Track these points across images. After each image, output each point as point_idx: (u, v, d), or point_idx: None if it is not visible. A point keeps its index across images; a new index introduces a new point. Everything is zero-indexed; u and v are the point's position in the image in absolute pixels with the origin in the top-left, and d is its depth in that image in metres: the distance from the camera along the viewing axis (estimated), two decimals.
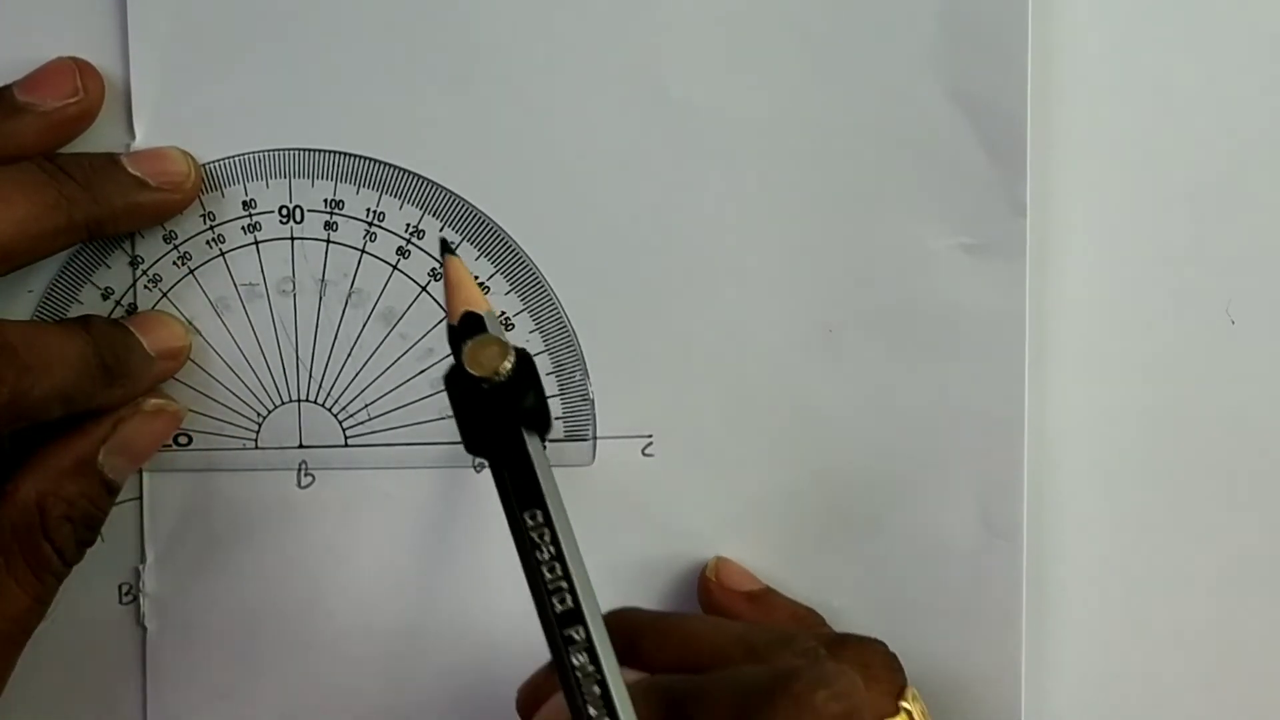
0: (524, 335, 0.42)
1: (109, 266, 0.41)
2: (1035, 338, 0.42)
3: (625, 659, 0.34)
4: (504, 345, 0.34)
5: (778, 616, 0.42)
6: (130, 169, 0.40)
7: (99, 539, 0.40)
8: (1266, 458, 0.43)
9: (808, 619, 0.42)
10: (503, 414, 0.34)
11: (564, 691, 0.32)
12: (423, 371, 0.42)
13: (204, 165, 0.41)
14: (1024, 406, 0.42)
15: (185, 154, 0.41)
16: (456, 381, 0.35)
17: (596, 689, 0.32)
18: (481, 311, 0.36)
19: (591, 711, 0.32)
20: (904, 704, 0.38)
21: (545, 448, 0.35)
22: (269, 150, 0.41)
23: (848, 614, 0.43)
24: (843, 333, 0.42)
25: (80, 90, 0.40)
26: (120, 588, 0.42)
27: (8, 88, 0.39)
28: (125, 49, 0.41)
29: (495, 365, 0.34)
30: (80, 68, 0.40)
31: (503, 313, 0.42)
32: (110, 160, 0.40)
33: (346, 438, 0.42)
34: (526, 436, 0.34)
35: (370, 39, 0.41)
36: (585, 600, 0.33)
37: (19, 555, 0.39)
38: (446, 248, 0.40)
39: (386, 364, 0.42)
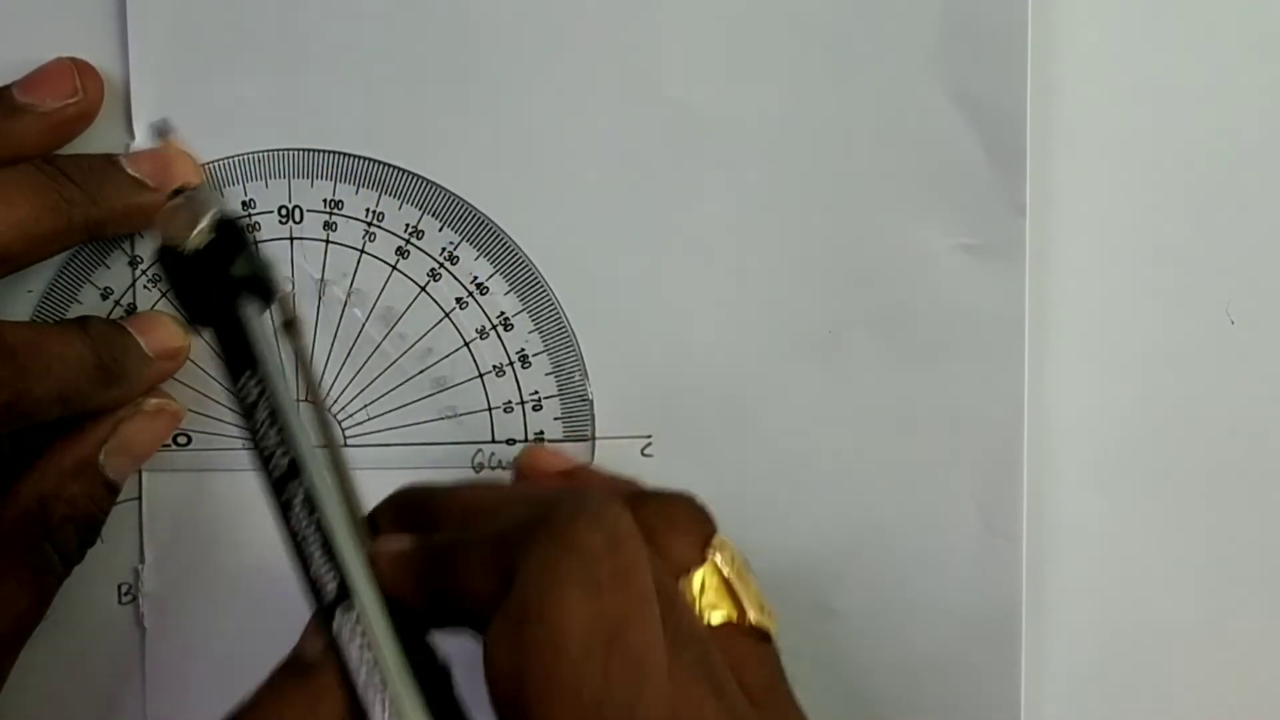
0: (524, 335, 0.42)
1: (108, 266, 0.41)
2: (1035, 338, 0.42)
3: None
4: (194, 214, 0.33)
5: (592, 485, 0.40)
6: (130, 170, 0.40)
7: (99, 540, 0.40)
8: (1266, 458, 0.43)
9: (629, 484, 0.40)
10: (207, 281, 0.33)
11: (289, 558, 0.31)
12: (423, 371, 0.42)
13: (204, 165, 0.41)
14: (1024, 406, 0.42)
15: (185, 154, 0.41)
16: (165, 254, 0.34)
17: (320, 552, 0.31)
18: (192, 184, 0.35)
19: (324, 576, 0.31)
20: (709, 552, 0.36)
21: (271, 313, 0.34)
22: (268, 150, 0.41)
23: (848, 614, 0.43)
24: (843, 333, 0.42)
25: (80, 90, 0.40)
26: (119, 588, 0.42)
27: (7, 88, 0.39)
28: (125, 49, 0.41)
29: (184, 234, 0.33)
30: (80, 68, 0.40)
31: (502, 313, 0.42)
32: (109, 162, 0.40)
33: (346, 438, 0.42)
34: (243, 303, 0.33)
35: (370, 39, 0.41)
36: (306, 458, 0.32)
37: (20, 556, 0.39)
38: (165, 130, 0.39)
39: (386, 364, 0.42)
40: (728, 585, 0.36)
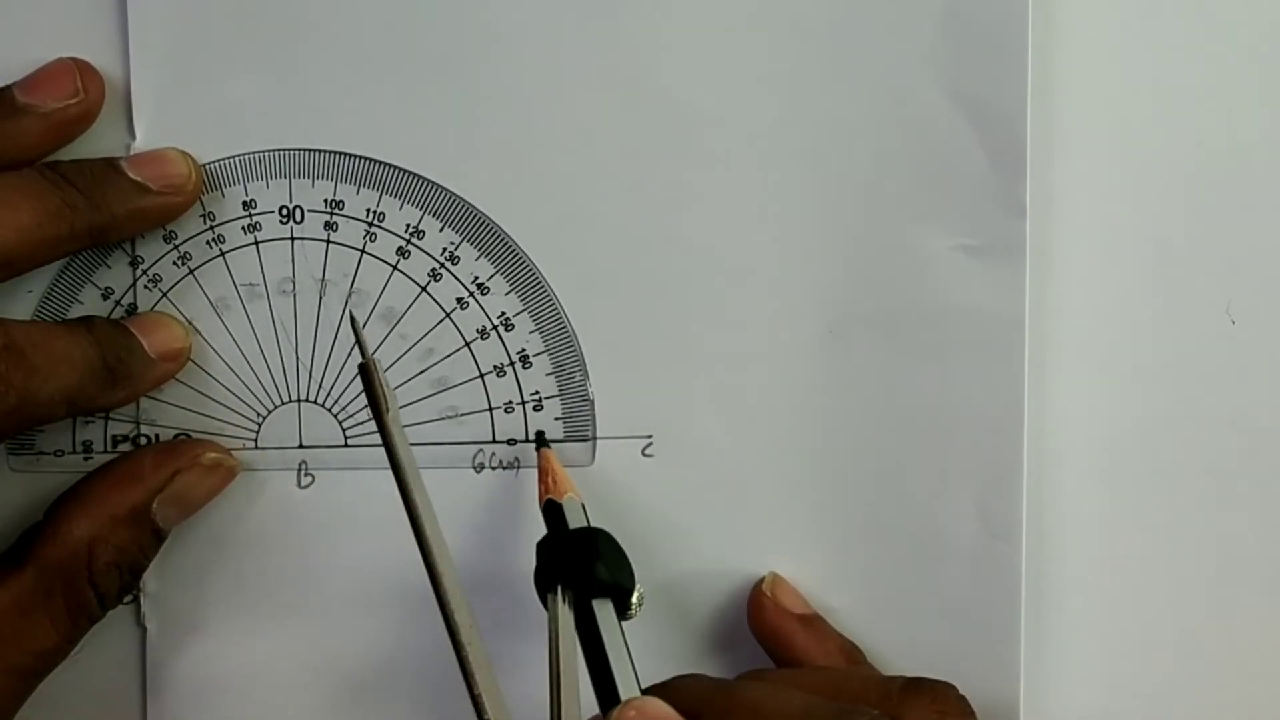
0: (524, 335, 0.42)
1: (109, 266, 0.41)
2: (1035, 338, 0.42)
3: None
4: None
5: (827, 645, 0.42)
6: (130, 174, 0.40)
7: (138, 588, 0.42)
8: (1266, 458, 0.43)
9: (854, 652, 0.42)
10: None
11: None
12: (423, 372, 0.42)
13: (204, 165, 0.41)
14: (1024, 406, 0.42)
15: (185, 155, 0.41)
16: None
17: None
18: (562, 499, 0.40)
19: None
20: None
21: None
22: (269, 150, 0.41)
23: (848, 614, 0.43)
24: (843, 333, 0.42)
25: (80, 91, 0.40)
26: None
27: (8, 88, 0.39)
28: (125, 49, 0.41)
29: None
30: (80, 68, 0.40)
31: (502, 313, 0.42)
32: (111, 166, 0.40)
33: (346, 438, 0.42)
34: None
35: (370, 39, 0.41)
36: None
37: (59, 596, 0.39)
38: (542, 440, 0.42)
39: (386, 364, 0.42)
40: None
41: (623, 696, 0.36)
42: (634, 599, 0.39)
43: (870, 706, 0.36)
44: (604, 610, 0.38)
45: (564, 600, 0.38)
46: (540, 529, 0.40)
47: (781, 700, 0.36)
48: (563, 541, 0.39)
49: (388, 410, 0.37)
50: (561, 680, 0.36)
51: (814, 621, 0.42)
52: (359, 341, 0.38)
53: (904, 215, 0.42)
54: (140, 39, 0.41)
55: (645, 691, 0.36)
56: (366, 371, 0.37)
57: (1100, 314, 0.43)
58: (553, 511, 0.40)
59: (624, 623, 0.39)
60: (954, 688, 0.39)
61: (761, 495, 0.42)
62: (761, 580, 0.42)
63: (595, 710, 0.36)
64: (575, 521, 0.40)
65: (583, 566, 0.38)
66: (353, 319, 0.41)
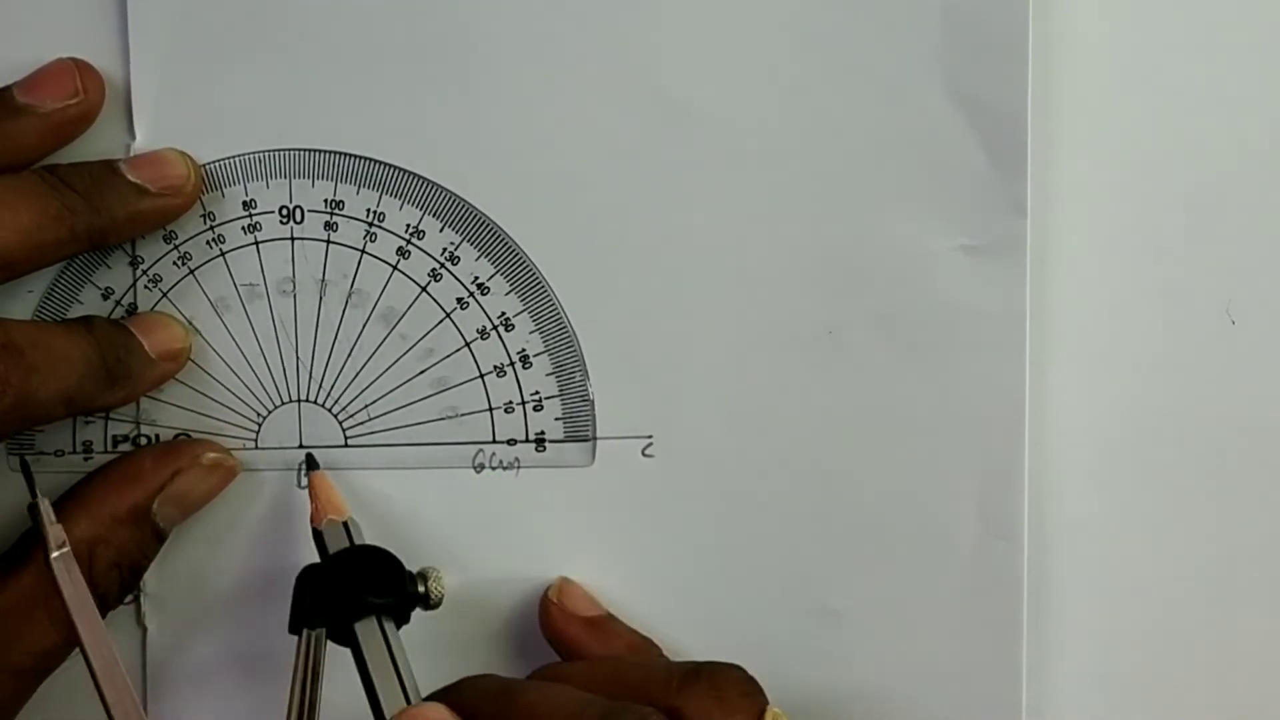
0: (525, 335, 0.42)
1: (109, 266, 0.41)
2: (1035, 338, 0.42)
3: None
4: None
5: (615, 645, 0.42)
6: (130, 176, 0.40)
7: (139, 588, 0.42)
8: (1266, 457, 0.43)
9: (644, 648, 0.42)
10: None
11: None
12: (423, 372, 0.42)
13: (204, 165, 0.41)
14: (1024, 406, 0.42)
15: (184, 156, 0.41)
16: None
17: None
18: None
19: None
20: None
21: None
22: (269, 150, 0.41)
23: (848, 614, 0.43)
24: (843, 333, 0.42)
25: (80, 91, 0.40)
26: None
27: (7, 89, 0.39)
28: (125, 50, 0.41)
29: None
30: (80, 68, 0.40)
31: (503, 313, 0.42)
32: (110, 169, 0.40)
33: (346, 438, 0.42)
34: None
35: (370, 40, 0.41)
36: None
37: (60, 596, 0.39)
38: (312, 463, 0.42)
39: (386, 364, 0.42)
40: None
41: (386, 712, 0.37)
42: (430, 586, 0.40)
43: (649, 696, 0.36)
44: (366, 630, 0.38)
45: (310, 641, 0.39)
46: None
47: (557, 698, 0.36)
48: (316, 573, 0.40)
49: (54, 550, 0.38)
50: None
51: (601, 622, 0.42)
52: (28, 482, 0.39)
53: (904, 215, 0.42)
54: (140, 39, 0.41)
55: (430, 697, 0.37)
56: (34, 510, 0.38)
57: (1100, 314, 0.43)
58: (318, 540, 0.40)
59: (434, 609, 0.40)
60: (739, 669, 0.38)
61: (761, 495, 0.42)
62: (548, 588, 0.42)
63: None
64: (336, 545, 0.40)
65: (336, 594, 0.39)
66: (22, 461, 0.41)
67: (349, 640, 0.38)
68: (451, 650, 0.42)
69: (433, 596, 0.39)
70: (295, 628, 0.39)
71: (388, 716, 0.37)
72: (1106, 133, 0.43)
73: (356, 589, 0.39)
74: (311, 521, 0.41)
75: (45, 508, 0.38)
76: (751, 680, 0.38)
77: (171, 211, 0.41)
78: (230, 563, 0.42)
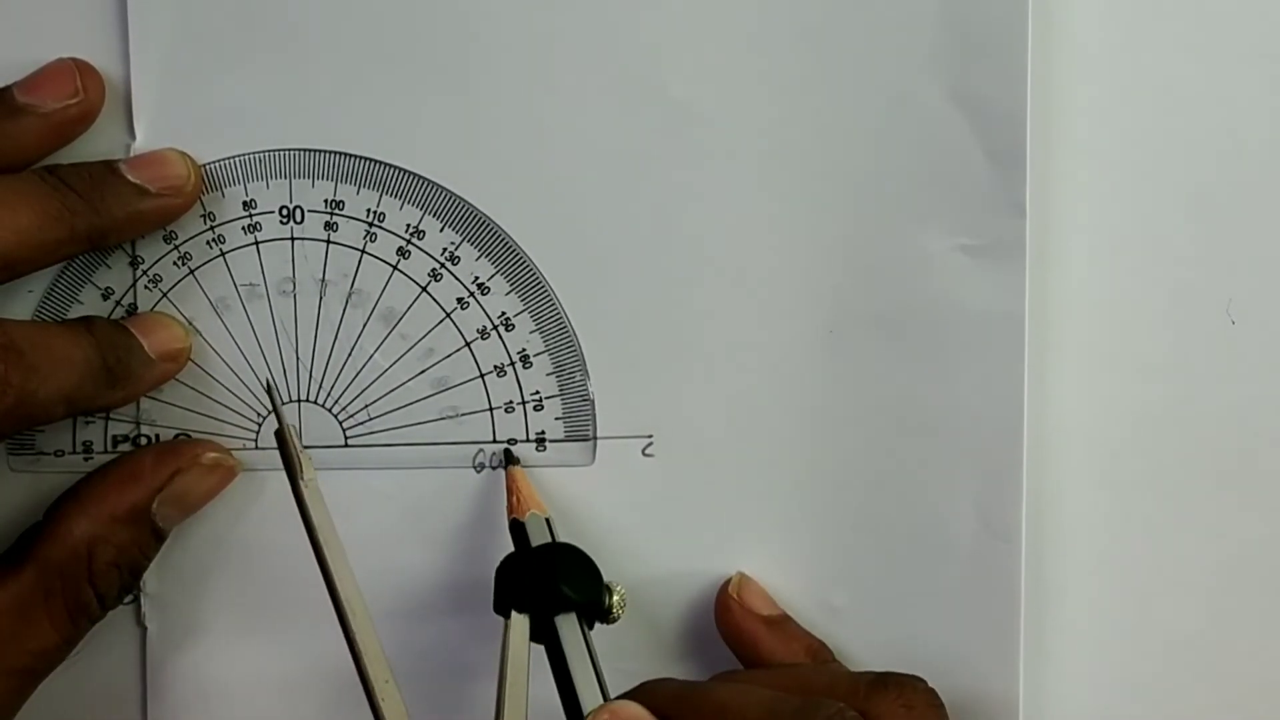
0: (525, 335, 0.42)
1: (109, 266, 0.41)
2: (1035, 338, 0.42)
3: None
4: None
5: (794, 646, 0.42)
6: (130, 176, 0.40)
7: (138, 588, 0.42)
8: (1266, 458, 0.43)
9: (821, 652, 0.42)
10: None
11: None
12: (423, 372, 0.42)
13: (204, 166, 0.41)
14: (1024, 406, 0.42)
15: (184, 156, 0.41)
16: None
17: None
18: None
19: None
20: None
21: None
22: (269, 151, 0.41)
23: (848, 614, 0.43)
24: (843, 333, 0.42)
25: (80, 91, 0.40)
26: None
27: (8, 89, 0.39)
28: (126, 50, 0.41)
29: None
30: (80, 69, 0.40)
31: (503, 313, 0.42)
32: (110, 170, 0.40)
33: (346, 438, 0.42)
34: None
35: (370, 39, 0.41)
36: None
37: (59, 595, 0.39)
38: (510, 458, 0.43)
39: (386, 364, 0.42)
40: None
41: (585, 708, 0.37)
42: (614, 601, 0.40)
43: (837, 700, 0.36)
44: (567, 625, 0.38)
45: (518, 623, 0.39)
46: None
47: (748, 698, 0.36)
48: (521, 561, 0.40)
49: (303, 476, 0.37)
50: (506, 704, 0.37)
51: (781, 622, 0.42)
52: (275, 409, 0.39)
53: (904, 215, 0.42)
54: (140, 39, 0.41)
55: (619, 698, 0.37)
56: (281, 438, 0.38)
57: (1100, 314, 0.43)
58: (517, 531, 0.41)
59: (611, 625, 0.39)
60: (923, 681, 0.39)
61: (761, 495, 0.42)
62: (728, 582, 0.42)
63: None
64: (539, 539, 0.40)
65: (541, 585, 0.39)
66: (269, 387, 0.41)
67: (546, 634, 0.39)
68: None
69: (614, 611, 0.40)
70: (502, 610, 0.39)
71: (585, 709, 0.37)
72: (1106, 133, 0.43)
73: (561, 583, 0.39)
74: (512, 513, 0.41)
75: (292, 434, 0.38)
76: (935, 693, 0.38)
77: (172, 212, 0.41)
78: (230, 563, 0.42)
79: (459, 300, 0.42)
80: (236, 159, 0.41)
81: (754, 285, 0.42)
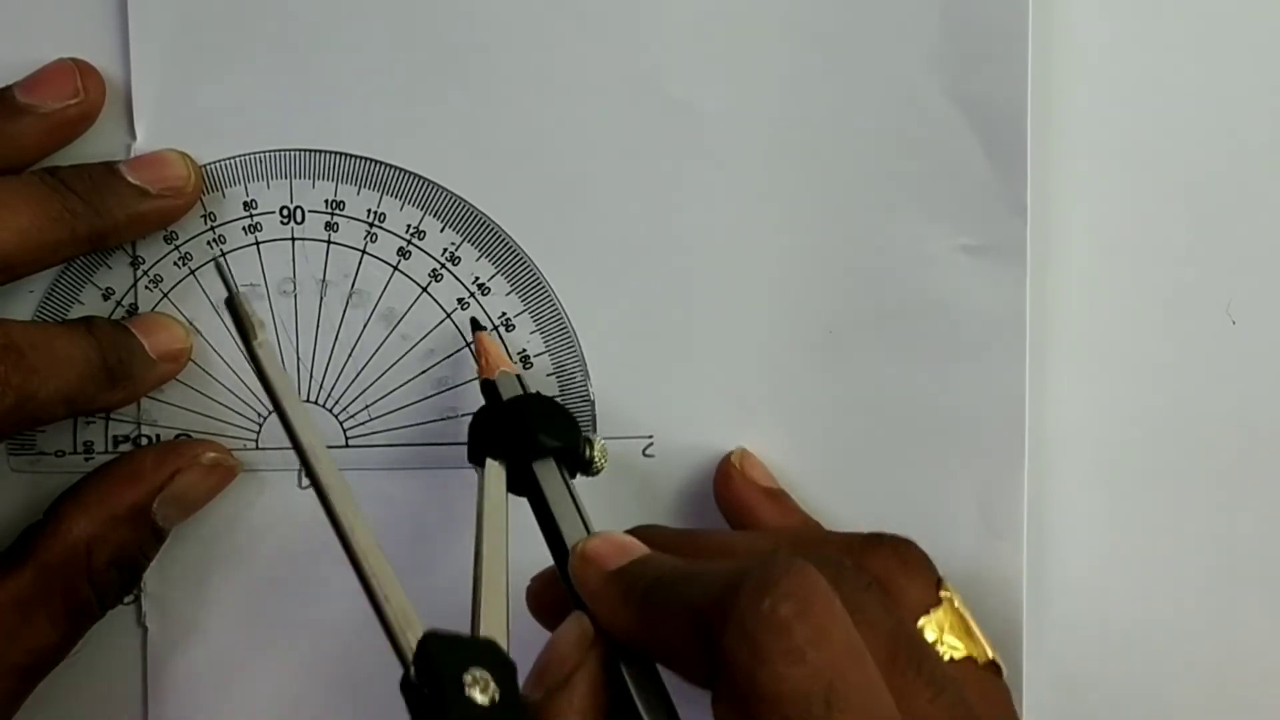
0: (524, 335, 0.42)
1: (110, 267, 0.41)
2: (1035, 338, 0.42)
3: None
4: None
5: (791, 519, 0.41)
6: (130, 178, 0.40)
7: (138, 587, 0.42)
8: (1266, 458, 0.43)
9: (816, 528, 0.42)
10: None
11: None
12: (423, 372, 0.42)
13: (205, 166, 0.41)
14: (1024, 406, 0.42)
15: (185, 157, 0.41)
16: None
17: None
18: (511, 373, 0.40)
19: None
20: (943, 593, 0.38)
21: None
22: (270, 151, 0.41)
23: None
24: (843, 333, 0.42)
25: (81, 91, 0.40)
26: None
27: (8, 89, 0.39)
28: (126, 50, 0.41)
29: None
30: (81, 69, 0.40)
31: (503, 314, 0.42)
32: (110, 171, 0.40)
33: (347, 438, 0.42)
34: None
35: (371, 40, 0.41)
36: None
37: (59, 595, 0.39)
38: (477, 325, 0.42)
39: (387, 365, 0.42)
40: (965, 624, 0.37)
41: (569, 544, 0.36)
42: (595, 452, 0.39)
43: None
44: (546, 470, 0.38)
45: (494, 469, 0.38)
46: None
47: (752, 540, 0.37)
48: (495, 412, 0.39)
49: (256, 337, 0.36)
50: (485, 550, 0.35)
51: (779, 495, 0.42)
52: (222, 274, 0.37)
53: (904, 215, 0.42)
54: (140, 39, 0.41)
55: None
56: (232, 303, 0.36)
57: (1100, 314, 0.43)
58: (489, 390, 0.40)
59: (592, 476, 0.39)
60: (915, 544, 0.38)
61: None
62: (730, 454, 0.42)
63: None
64: (511, 394, 0.40)
65: (517, 432, 0.38)
66: (217, 263, 0.40)
67: (526, 485, 0.38)
68: None
69: (596, 463, 0.39)
70: (476, 458, 0.39)
71: (569, 545, 0.36)
72: (1106, 133, 0.43)
73: (535, 430, 0.38)
74: (482, 374, 0.40)
75: (244, 299, 0.36)
76: (925, 553, 0.38)
77: (172, 213, 0.41)
78: (230, 563, 0.42)
79: (459, 301, 0.42)
80: (237, 159, 0.41)
81: (754, 285, 0.42)
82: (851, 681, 0.30)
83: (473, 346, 0.42)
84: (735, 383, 0.42)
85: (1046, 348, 0.43)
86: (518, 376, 0.40)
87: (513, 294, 0.42)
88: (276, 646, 0.43)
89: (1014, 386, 0.42)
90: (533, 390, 0.40)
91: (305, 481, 0.42)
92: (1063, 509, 0.43)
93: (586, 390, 0.42)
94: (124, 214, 0.39)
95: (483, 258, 0.42)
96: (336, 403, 0.42)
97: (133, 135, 0.41)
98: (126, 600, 0.42)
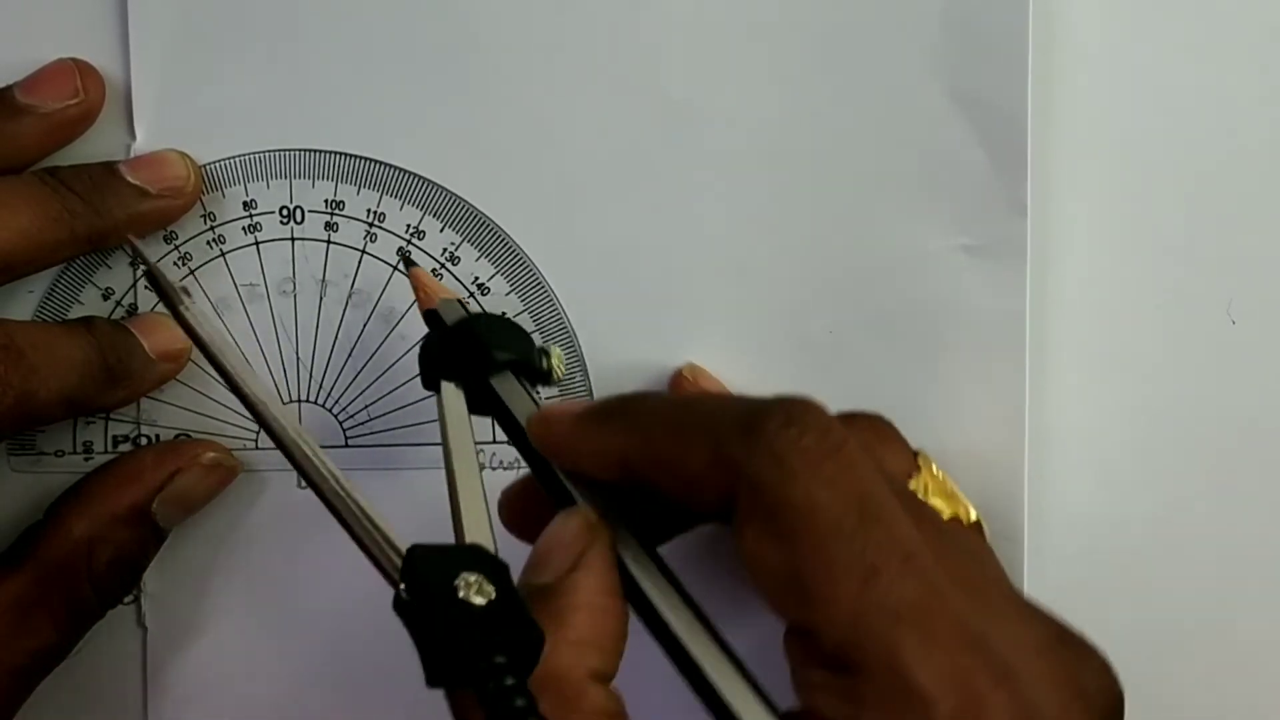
0: None
1: (110, 267, 0.41)
2: (1035, 338, 0.42)
3: None
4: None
5: None
6: (129, 178, 0.40)
7: (138, 587, 0.42)
8: (1266, 457, 0.43)
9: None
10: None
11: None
12: None
13: (205, 166, 0.41)
14: (1024, 406, 0.42)
15: (184, 157, 0.41)
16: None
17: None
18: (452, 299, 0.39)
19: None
20: (920, 460, 0.38)
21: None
22: (269, 151, 0.41)
23: None
24: (843, 333, 0.42)
25: (81, 91, 0.40)
26: None
27: (8, 89, 0.39)
28: (126, 50, 0.41)
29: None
30: (81, 69, 0.40)
31: (503, 313, 0.42)
32: (110, 171, 0.40)
33: (347, 438, 0.42)
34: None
35: (371, 39, 0.41)
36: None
37: (59, 594, 0.39)
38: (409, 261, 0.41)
39: (387, 365, 0.42)
40: (946, 486, 0.38)
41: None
42: (552, 362, 0.39)
43: None
44: (505, 382, 0.37)
45: (450, 390, 0.37)
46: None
47: (714, 398, 0.38)
48: (443, 335, 0.38)
49: (183, 304, 0.36)
50: (457, 470, 0.35)
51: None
52: (140, 256, 0.37)
53: (904, 215, 0.42)
54: (140, 39, 0.41)
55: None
56: (153, 277, 0.36)
57: (1100, 314, 0.43)
58: (432, 319, 0.39)
59: (554, 385, 0.39)
60: (885, 417, 0.38)
61: None
62: (680, 368, 0.42)
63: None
64: (455, 319, 0.39)
65: (468, 351, 0.38)
66: (128, 240, 0.39)
67: (487, 403, 0.37)
68: None
69: (556, 372, 0.39)
70: (430, 384, 0.38)
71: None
72: (1106, 133, 0.43)
73: (486, 345, 0.38)
74: (423, 306, 0.40)
75: (160, 271, 0.37)
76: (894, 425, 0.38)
77: (172, 213, 0.41)
78: (230, 563, 0.42)
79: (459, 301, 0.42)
80: (236, 159, 0.41)
81: (754, 285, 0.42)
82: (880, 500, 0.31)
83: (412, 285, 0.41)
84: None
85: (1046, 348, 0.43)
86: (459, 301, 0.40)
87: (512, 294, 0.42)
88: (276, 646, 0.43)
89: (1014, 386, 0.42)
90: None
91: (304, 483, 0.42)
92: (1063, 509, 0.43)
93: (587, 390, 0.42)
94: (124, 214, 0.39)
95: (482, 258, 0.42)
96: (336, 403, 0.42)
97: (132, 135, 0.41)
98: (126, 600, 0.42)
